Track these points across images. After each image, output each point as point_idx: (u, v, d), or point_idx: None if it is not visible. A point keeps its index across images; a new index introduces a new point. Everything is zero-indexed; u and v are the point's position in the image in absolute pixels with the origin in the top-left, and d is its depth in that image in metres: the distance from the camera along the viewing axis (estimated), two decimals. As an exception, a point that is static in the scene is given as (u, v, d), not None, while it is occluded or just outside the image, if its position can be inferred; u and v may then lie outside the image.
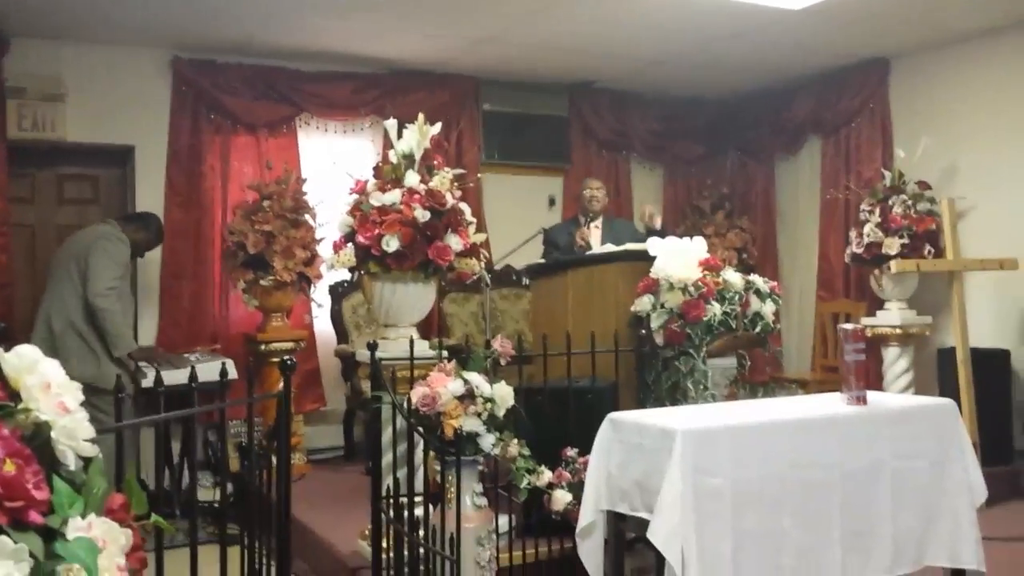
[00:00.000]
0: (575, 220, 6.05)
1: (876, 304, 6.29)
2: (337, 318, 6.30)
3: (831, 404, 3.51)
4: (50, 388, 1.28)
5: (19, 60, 5.70)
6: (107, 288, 4.77)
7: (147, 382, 4.68)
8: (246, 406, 2.86)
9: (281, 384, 2.91)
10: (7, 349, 1.35)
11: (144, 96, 6.08)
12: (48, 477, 1.21)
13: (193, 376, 2.56)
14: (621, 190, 7.69)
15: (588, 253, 5.25)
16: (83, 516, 1.22)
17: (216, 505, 4.40)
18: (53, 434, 1.25)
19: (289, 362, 2.83)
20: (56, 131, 5.86)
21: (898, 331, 6.02)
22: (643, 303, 4.37)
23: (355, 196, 4.00)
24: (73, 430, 1.27)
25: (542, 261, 5.50)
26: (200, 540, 2.56)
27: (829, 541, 3.21)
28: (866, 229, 6.04)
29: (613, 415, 3.43)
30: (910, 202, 5.98)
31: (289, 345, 5.69)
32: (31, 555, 1.11)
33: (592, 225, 5.92)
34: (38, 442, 1.23)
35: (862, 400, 3.43)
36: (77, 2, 5.17)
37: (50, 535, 1.17)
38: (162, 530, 1.70)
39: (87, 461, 1.32)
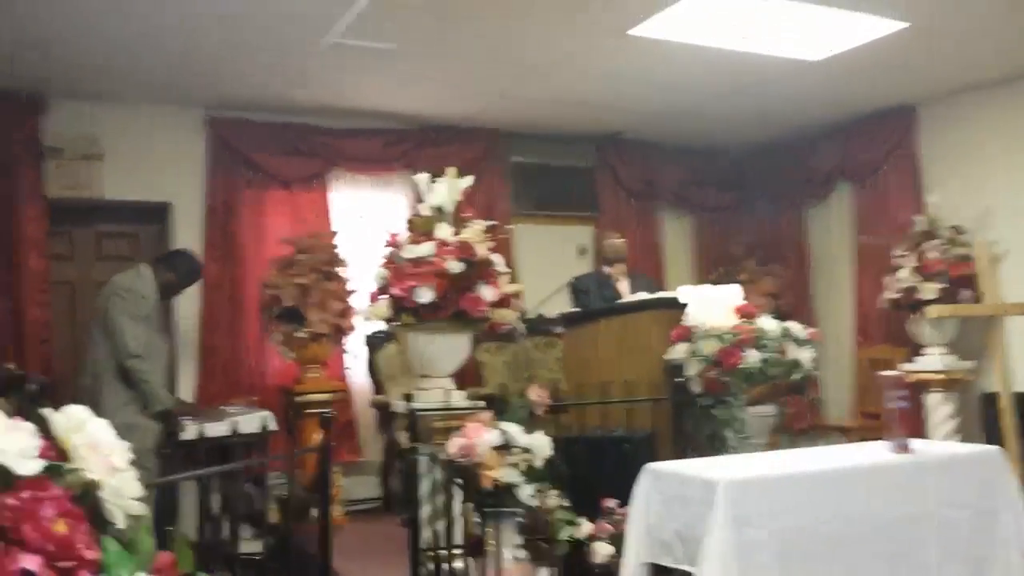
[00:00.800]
0: (601, 272, 6.04)
1: (916, 349, 6.20)
2: (372, 369, 6.31)
3: (875, 453, 3.45)
4: (98, 447, 1.28)
5: (57, 121, 5.83)
6: (133, 347, 4.63)
7: (187, 435, 4.68)
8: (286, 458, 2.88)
9: (320, 436, 2.92)
10: (56, 407, 1.37)
11: (180, 154, 6.19)
12: (97, 536, 1.21)
13: (235, 429, 2.58)
14: (651, 239, 7.70)
15: (619, 302, 5.24)
16: (132, 575, 1.22)
17: (257, 558, 4.38)
18: (102, 494, 1.25)
19: (329, 415, 2.84)
20: (94, 189, 5.97)
21: (940, 376, 5.92)
22: (678, 351, 4.34)
23: (389, 249, 4.04)
24: (122, 489, 1.27)
25: (575, 310, 5.49)
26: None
27: (877, 593, 3.13)
28: (902, 274, 5.98)
29: (651, 466, 3.39)
30: (945, 246, 5.92)
31: (326, 396, 5.68)
32: (82, 616, 1.11)
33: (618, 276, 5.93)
34: (87, 501, 1.23)
35: (906, 448, 3.37)
36: (113, 64, 5.30)
37: (100, 595, 1.17)
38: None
39: (135, 519, 1.32)
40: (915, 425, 6.23)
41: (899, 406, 3.38)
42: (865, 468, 3.26)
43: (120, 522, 1.28)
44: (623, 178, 7.56)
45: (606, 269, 5.98)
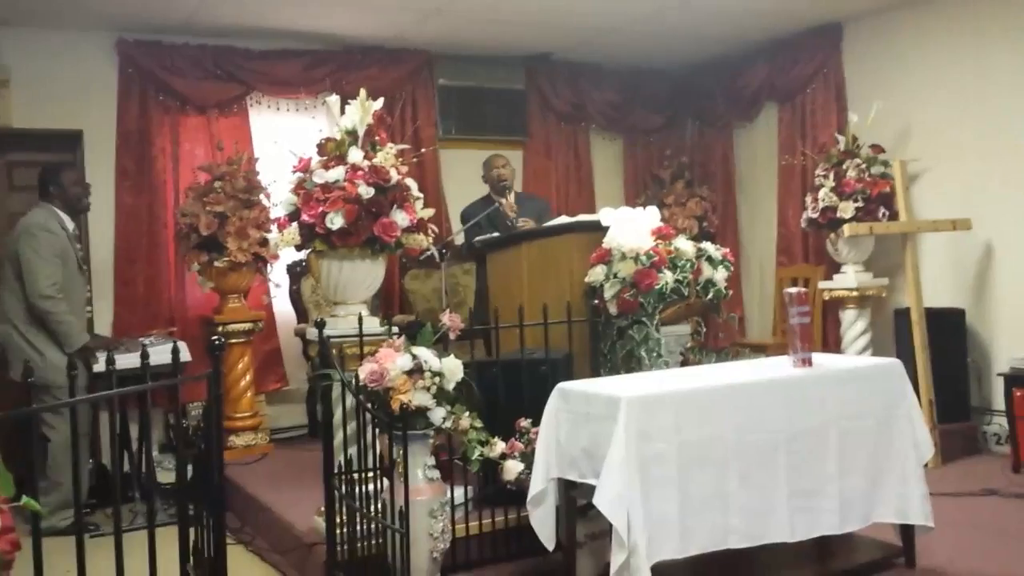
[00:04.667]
0: (488, 198, 5.93)
1: (834, 268, 6.32)
2: (296, 298, 6.27)
3: (777, 367, 3.54)
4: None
5: (-41, 49, 5.59)
6: (46, 287, 4.64)
7: (99, 367, 4.63)
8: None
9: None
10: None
11: (90, 80, 5.98)
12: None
13: (145, 356, 2.56)
14: (581, 162, 7.68)
15: (544, 225, 5.22)
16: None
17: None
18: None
19: (218, 342, 2.81)
20: (1, 118, 5.76)
21: (855, 294, 6.05)
22: (596, 273, 4.37)
23: (299, 174, 3.97)
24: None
25: (496, 235, 5.44)
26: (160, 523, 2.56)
27: (776, 502, 3.24)
28: (821, 194, 6.06)
29: (562, 385, 3.45)
30: (864, 165, 5.99)
31: (247, 326, 5.65)
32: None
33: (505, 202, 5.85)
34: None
35: (807, 362, 3.46)
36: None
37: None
38: (37, 513, 1.73)
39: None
40: (831, 341, 6.41)
41: (801, 322, 3.46)
42: (766, 382, 3.35)
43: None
44: (552, 100, 7.49)
45: (495, 197, 5.83)
